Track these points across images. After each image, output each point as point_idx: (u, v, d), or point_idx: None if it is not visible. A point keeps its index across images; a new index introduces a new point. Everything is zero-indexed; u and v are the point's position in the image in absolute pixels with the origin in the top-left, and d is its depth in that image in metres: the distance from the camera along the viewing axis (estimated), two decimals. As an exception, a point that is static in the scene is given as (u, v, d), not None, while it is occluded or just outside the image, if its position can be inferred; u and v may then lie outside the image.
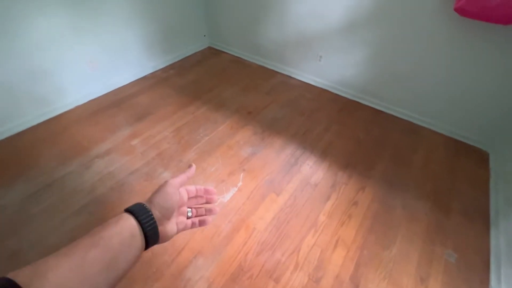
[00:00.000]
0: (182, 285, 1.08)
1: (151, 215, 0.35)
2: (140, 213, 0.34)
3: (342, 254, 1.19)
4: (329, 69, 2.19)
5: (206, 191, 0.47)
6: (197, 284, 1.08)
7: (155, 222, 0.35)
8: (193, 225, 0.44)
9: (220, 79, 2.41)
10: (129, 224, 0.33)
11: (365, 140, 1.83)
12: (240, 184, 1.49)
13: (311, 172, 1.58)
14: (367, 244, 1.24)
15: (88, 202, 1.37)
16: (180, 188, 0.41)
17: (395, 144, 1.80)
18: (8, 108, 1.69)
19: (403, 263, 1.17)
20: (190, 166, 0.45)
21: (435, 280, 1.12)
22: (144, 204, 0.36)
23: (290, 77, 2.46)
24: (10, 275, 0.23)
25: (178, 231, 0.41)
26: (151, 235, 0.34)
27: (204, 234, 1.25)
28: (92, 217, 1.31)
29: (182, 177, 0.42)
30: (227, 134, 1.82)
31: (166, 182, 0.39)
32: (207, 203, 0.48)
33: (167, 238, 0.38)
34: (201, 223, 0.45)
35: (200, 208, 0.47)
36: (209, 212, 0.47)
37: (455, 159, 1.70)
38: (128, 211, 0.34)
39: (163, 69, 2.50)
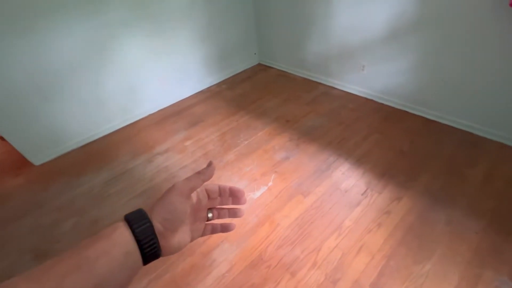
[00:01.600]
0: (208, 263, 1.23)
1: (150, 226, 0.28)
2: (137, 222, 0.28)
3: (365, 261, 1.15)
4: (373, 78, 2.14)
5: (233, 191, 0.38)
6: (221, 264, 1.22)
7: (155, 236, 0.29)
8: (213, 231, 0.39)
9: (265, 92, 2.61)
10: (123, 238, 0.27)
11: (409, 150, 1.70)
12: (270, 183, 1.60)
13: (343, 178, 1.57)
14: (395, 255, 1.16)
15: (147, 188, 1.70)
16: (190, 193, 0.33)
17: (448, 155, 1.62)
18: (102, 116, 2.25)
19: (438, 281, 1.05)
20: (209, 165, 0.36)
21: (478, 306, 0.97)
22: (144, 212, 0.30)
23: (333, 88, 2.48)
24: None
25: (193, 239, 0.36)
26: (149, 250, 0.28)
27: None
28: (149, 200, 1.62)
29: (194, 181, 0.33)
30: (264, 140, 1.97)
31: (172, 187, 0.32)
32: (234, 203, 0.39)
33: (175, 250, 0.32)
34: (224, 229, 0.39)
35: (223, 209, 0.40)
36: (233, 214, 0.40)
37: (529, 177, 1.42)
38: (126, 218, 0.29)
39: (217, 84, 2.87)
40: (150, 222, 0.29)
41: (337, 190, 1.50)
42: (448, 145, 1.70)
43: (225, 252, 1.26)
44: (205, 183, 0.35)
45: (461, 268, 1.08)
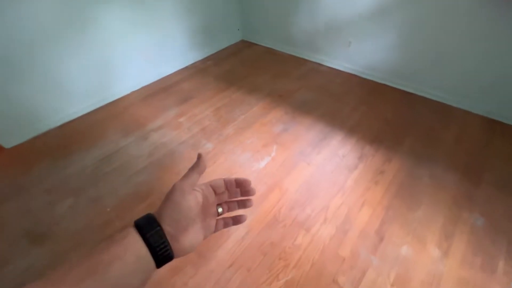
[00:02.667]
0: (225, 231, 1.26)
1: (160, 230, 0.29)
2: (147, 229, 0.29)
3: (368, 213, 1.31)
4: (359, 54, 2.27)
5: (239, 182, 0.38)
6: (238, 229, 1.27)
7: (166, 239, 0.29)
8: (225, 225, 0.39)
9: (252, 68, 2.61)
10: (135, 244, 0.28)
11: (393, 120, 1.89)
12: (273, 154, 1.66)
13: (339, 145, 1.70)
14: (392, 206, 1.33)
15: (147, 164, 1.64)
16: (191, 189, 0.33)
17: (426, 122, 1.84)
18: (80, 92, 2.05)
19: (428, 223, 1.25)
20: (199, 157, 0.35)
21: (460, 238, 1.18)
22: (154, 217, 0.30)
23: (320, 64, 2.57)
24: None
25: (206, 237, 0.36)
26: (162, 254, 0.29)
27: (243, 191, 1.44)
28: (150, 176, 1.58)
29: (191, 176, 0.34)
30: (260, 114, 2.01)
31: (173, 188, 0.32)
32: (243, 195, 0.39)
33: (189, 250, 0.32)
34: (236, 221, 0.39)
35: (232, 202, 0.39)
36: (242, 205, 0.40)
37: (490, 137, 1.70)
38: (136, 225, 0.29)
39: (202, 61, 2.77)
40: (159, 226, 0.29)
41: (336, 155, 1.62)
42: (424, 113, 1.92)
43: (240, 217, 1.32)
44: (211, 179, 0.37)
45: (444, 211, 1.29)
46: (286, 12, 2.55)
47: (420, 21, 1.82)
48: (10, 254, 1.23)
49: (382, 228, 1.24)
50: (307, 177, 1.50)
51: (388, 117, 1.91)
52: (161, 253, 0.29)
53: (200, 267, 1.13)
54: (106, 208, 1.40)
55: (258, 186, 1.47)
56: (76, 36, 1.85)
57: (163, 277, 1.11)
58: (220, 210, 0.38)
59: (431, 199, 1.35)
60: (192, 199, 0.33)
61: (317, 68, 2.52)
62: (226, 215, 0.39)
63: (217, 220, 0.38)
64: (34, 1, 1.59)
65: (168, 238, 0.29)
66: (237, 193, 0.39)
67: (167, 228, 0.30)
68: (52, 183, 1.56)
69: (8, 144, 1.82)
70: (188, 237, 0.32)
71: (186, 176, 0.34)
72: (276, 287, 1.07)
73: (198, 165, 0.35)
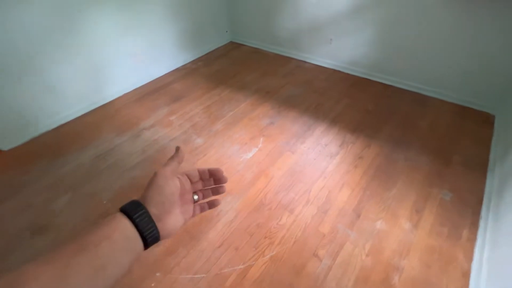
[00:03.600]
0: (215, 214, 1.37)
1: (146, 212, 0.31)
2: (134, 211, 0.31)
3: (347, 194, 1.41)
4: (340, 51, 2.40)
5: (212, 172, 0.42)
6: (228, 213, 1.37)
7: (152, 220, 0.31)
8: (202, 210, 0.43)
9: (241, 67, 2.72)
10: (123, 225, 0.29)
11: (373, 110, 2.01)
12: (260, 145, 1.76)
13: (322, 135, 1.81)
14: (369, 186, 1.44)
15: (140, 160, 1.73)
16: (173, 176, 0.37)
17: (403, 112, 1.96)
18: (72, 96, 2.12)
19: (401, 200, 1.36)
20: (177, 150, 0.40)
21: (430, 212, 1.29)
22: (138, 201, 0.33)
23: (305, 62, 2.69)
24: None
25: (186, 221, 0.39)
26: (149, 234, 0.31)
27: (232, 179, 1.53)
28: (144, 171, 1.66)
29: (172, 164, 0.38)
30: (248, 110, 2.11)
31: (155, 174, 0.35)
32: (216, 183, 0.44)
33: (172, 232, 0.35)
34: (211, 205, 0.44)
35: (207, 190, 0.44)
36: (216, 192, 0.44)
37: (462, 122, 1.82)
38: (122, 210, 0.31)
39: (192, 62, 2.87)
40: (145, 208, 0.32)
41: (319, 144, 1.73)
42: (403, 103, 2.04)
43: (229, 203, 1.41)
44: (186, 170, 0.41)
45: (417, 189, 1.41)
46: (271, 14, 2.67)
47: (397, 17, 1.95)
48: (14, 244, 1.30)
49: (359, 206, 1.35)
50: (292, 164, 1.61)
51: (369, 109, 2.03)
52: (149, 233, 0.31)
53: (191, 248, 1.22)
54: (103, 201, 1.49)
55: (245, 174, 1.57)
56: (69, 41, 1.94)
57: (157, 258, 1.20)
58: (196, 197, 0.42)
59: (405, 179, 1.46)
60: (173, 184, 0.36)
61: (302, 66, 2.64)
62: (202, 201, 0.43)
63: (194, 206, 0.42)
64: (27, 8, 1.67)
65: (154, 219, 0.32)
66: (210, 181, 0.43)
67: (153, 209, 0.32)
68: (50, 181, 1.64)
69: (5, 146, 1.89)
70: (171, 219, 0.35)
71: (167, 164, 0.38)
72: (262, 262, 1.16)
73: (177, 155, 0.39)
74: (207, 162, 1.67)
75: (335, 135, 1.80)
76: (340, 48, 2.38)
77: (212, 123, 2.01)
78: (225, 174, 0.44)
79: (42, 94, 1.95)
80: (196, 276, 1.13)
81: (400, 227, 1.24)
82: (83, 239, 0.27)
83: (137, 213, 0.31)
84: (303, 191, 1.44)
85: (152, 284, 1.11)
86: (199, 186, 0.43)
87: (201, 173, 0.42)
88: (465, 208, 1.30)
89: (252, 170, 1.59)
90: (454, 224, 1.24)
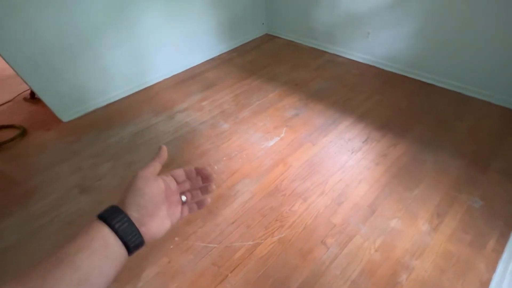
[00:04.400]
0: (233, 193, 1.46)
1: (126, 217, 0.30)
2: (112, 218, 0.29)
3: (364, 189, 1.39)
4: (377, 45, 2.29)
5: (199, 171, 0.40)
6: (244, 194, 1.45)
7: (133, 225, 0.30)
8: (190, 210, 0.40)
9: (273, 59, 2.75)
10: (101, 233, 0.28)
11: (406, 109, 1.90)
12: (283, 135, 1.81)
13: (347, 130, 1.78)
14: (389, 184, 1.40)
15: (173, 139, 1.90)
16: (154, 177, 0.35)
17: (440, 112, 1.83)
18: (123, 78, 2.39)
19: (423, 202, 1.30)
20: (160, 148, 0.38)
21: (453, 217, 1.22)
22: (117, 206, 0.31)
23: (338, 56, 2.63)
24: None
25: (173, 223, 0.37)
26: (131, 240, 0.30)
27: (251, 164, 1.61)
28: (174, 148, 1.83)
29: (153, 164, 0.36)
30: (275, 100, 2.15)
31: (136, 176, 0.34)
32: (204, 182, 0.41)
33: (157, 235, 0.34)
34: (200, 205, 0.41)
35: (195, 190, 0.41)
36: (205, 191, 0.42)
37: (508, 127, 1.64)
38: (100, 217, 0.30)
39: (228, 52, 2.99)
40: (124, 213, 0.30)
41: (341, 139, 1.71)
42: (441, 103, 1.90)
43: (246, 185, 1.50)
44: (172, 170, 0.39)
45: (442, 192, 1.33)
46: (307, 6, 2.64)
47: (440, 9, 1.80)
48: (64, 199, 1.56)
49: (375, 202, 1.32)
50: (311, 156, 1.62)
51: (401, 107, 1.93)
52: (130, 238, 0.30)
53: (208, 221, 1.34)
54: (137, 170, 1.67)
55: (265, 160, 1.63)
56: (120, 29, 2.17)
57: (177, 227, 1.33)
58: (184, 198, 0.39)
59: (431, 181, 1.39)
60: (155, 186, 0.34)
61: (335, 60, 2.58)
62: (191, 203, 0.41)
63: (182, 207, 0.40)
64: (88, 1, 1.92)
65: (136, 223, 0.31)
66: (198, 180, 0.41)
67: (133, 214, 0.31)
68: (96, 149, 1.89)
69: (66, 118, 2.21)
70: (155, 222, 0.33)
71: (148, 165, 0.36)
72: (270, 242, 1.23)
73: (159, 155, 0.37)
74: (230, 147, 1.77)
75: (360, 131, 1.76)
76: (377, 42, 2.27)
77: (239, 110, 2.10)
78: (212, 172, 0.42)
79: (97, 75, 2.23)
80: (209, 245, 1.24)
81: (416, 228, 1.20)
82: (60, 252, 0.26)
83: (115, 219, 0.29)
84: (320, 182, 1.46)
85: (171, 246, 1.25)
86: (187, 186, 0.41)
87: (187, 173, 0.40)
88: (496, 218, 1.20)
89: (272, 157, 1.65)
90: (480, 233, 1.16)
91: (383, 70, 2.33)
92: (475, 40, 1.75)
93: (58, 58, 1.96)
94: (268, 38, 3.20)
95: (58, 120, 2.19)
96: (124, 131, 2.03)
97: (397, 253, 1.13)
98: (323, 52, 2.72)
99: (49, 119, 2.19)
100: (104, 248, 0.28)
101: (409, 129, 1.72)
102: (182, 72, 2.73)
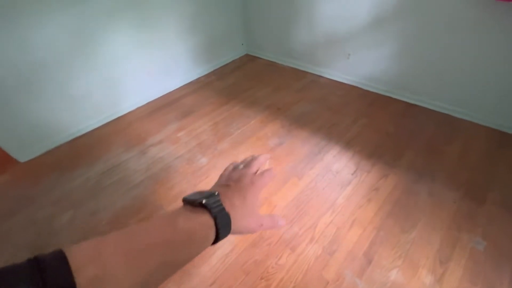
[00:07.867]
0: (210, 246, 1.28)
1: (226, 215, 0.32)
2: (221, 220, 0.31)
3: (357, 233, 1.25)
4: (358, 66, 2.23)
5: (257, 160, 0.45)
6: (223, 246, 1.27)
7: (229, 222, 0.32)
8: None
9: (254, 81, 2.65)
10: (205, 218, 0.30)
11: (394, 133, 1.82)
12: (266, 168, 1.65)
13: (334, 160, 1.66)
14: (384, 226, 1.27)
15: (144, 179, 1.70)
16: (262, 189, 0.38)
17: (428, 136, 1.75)
18: (89, 109, 2.19)
19: (422, 246, 1.17)
20: (269, 169, 0.41)
21: (457, 264, 1.10)
22: (226, 212, 0.32)
23: (321, 76, 2.55)
24: (67, 252, 0.21)
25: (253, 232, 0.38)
26: (221, 235, 0.32)
27: (232, 207, 1.44)
28: (146, 189, 1.63)
29: (264, 181, 0.39)
30: (257, 128, 2.02)
31: (252, 185, 0.37)
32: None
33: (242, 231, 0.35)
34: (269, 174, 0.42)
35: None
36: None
37: (499, 151, 1.58)
38: (204, 206, 0.31)
39: (206, 75, 2.86)
40: (227, 213, 0.32)
41: (329, 171, 1.59)
42: (428, 125, 1.83)
43: (227, 234, 1.32)
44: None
45: (442, 233, 1.21)
46: (287, 26, 2.58)
47: (422, 30, 1.76)
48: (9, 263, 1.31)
49: (371, 249, 1.18)
50: (297, 193, 1.48)
51: (389, 131, 1.84)
52: (222, 233, 0.31)
53: (182, 284, 1.14)
54: (102, 222, 1.46)
55: (247, 201, 1.46)
56: (86, 56, 1.99)
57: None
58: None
59: (428, 220, 1.27)
60: (259, 198, 0.37)
61: (318, 80, 2.50)
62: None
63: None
64: (50, 26, 1.73)
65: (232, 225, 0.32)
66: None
67: (232, 212, 0.33)
68: (57, 195, 1.66)
69: (23, 158, 1.97)
70: (242, 224, 0.34)
71: (261, 176, 0.39)
72: (255, 308, 1.05)
73: (270, 175, 0.41)
74: (208, 185, 1.59)
75: (349, 160, 1.64)
76: (359, 63, 2.22)
77: (219, 141, 1.94)
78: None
79: (61, 107, 2.01)
80: (183, 318, 1.04)
81: (419, 280, 1.06)
82: (171, 224, 0.28)
83: (222, 223, 0.31)
84: (308, 226, 1.31)
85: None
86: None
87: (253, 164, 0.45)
88: (503, 261, 1.08)
89: (255, 196, 1.49)
90: (489, 282, 1.03)
91: (366, 91, 2.27)
92: (458, 60, 1.70)
93: (12, 95, 1.74)
94: (248, 59, 3.11)
95: (14, 161, 1.95)
96: (91, 170, 1.81)
97: (401, 315, 0.98)
98: (305, 73, 2.64)
99: (3, 160, 1.94)
100: (204, 228, 0.30)
101: (399, 157, 1.62)
102: (158, 98, 2.56)
